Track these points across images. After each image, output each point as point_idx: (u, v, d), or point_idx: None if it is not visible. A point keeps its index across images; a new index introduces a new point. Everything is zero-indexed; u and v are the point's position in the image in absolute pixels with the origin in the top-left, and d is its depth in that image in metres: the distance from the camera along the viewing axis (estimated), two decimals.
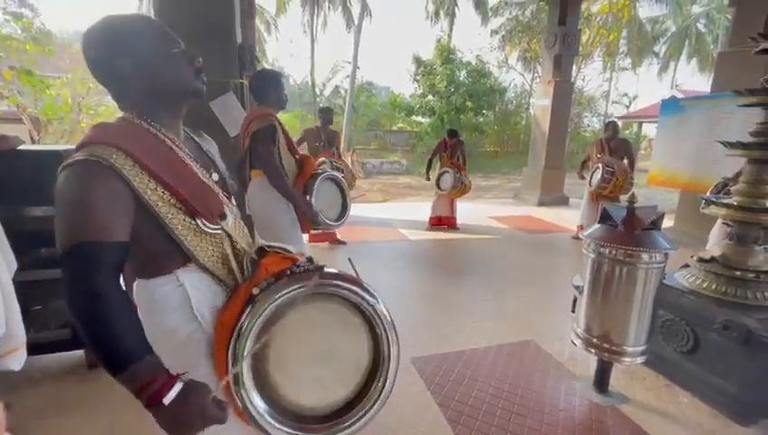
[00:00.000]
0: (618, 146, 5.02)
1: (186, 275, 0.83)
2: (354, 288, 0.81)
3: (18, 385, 1.91)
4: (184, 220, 0.79)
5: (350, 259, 0.99)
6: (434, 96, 15.89)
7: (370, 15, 19.15)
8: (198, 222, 0.81)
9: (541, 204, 7.57)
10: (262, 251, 0.92)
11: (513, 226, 5.96)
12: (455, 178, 5.17)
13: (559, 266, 4.22)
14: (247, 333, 0.75)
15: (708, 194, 3.54)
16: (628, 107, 21.86)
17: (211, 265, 0.84)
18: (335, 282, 0.81)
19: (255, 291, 0.79)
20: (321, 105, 15.62)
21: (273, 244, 0.93)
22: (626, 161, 4.94)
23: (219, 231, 0.85)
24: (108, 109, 7.97)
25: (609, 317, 1.89)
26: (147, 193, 0.75)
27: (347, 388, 0.85)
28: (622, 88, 37.76)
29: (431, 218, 5.60)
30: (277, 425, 0.78)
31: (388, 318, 0.85)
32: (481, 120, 16.78)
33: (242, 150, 2.29)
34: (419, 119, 17.54)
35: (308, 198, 2.15)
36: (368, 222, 5.76)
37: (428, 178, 5.61)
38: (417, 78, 16.26)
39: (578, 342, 2.03)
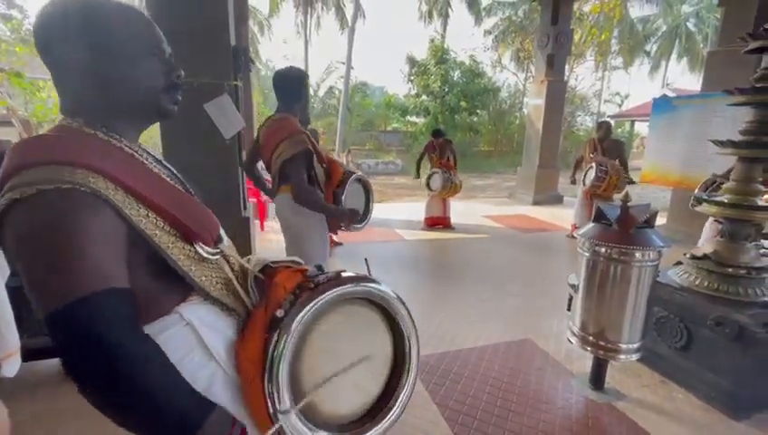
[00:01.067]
0: (610, 146, 5.07)
1: (190, 310, 0.70)
2: (375, 286, 0.80)
3: (14, 392, 1.89)
4: (183, 248, 0.67)
5: (366, 260, 0.98)
6: (428, 96, 15.94)
7: (364, 16, 19.18)
8: (197, 248, 0.69)
9: (535, 203, 7.62)
10: (267, 268, 0.83)
11: (508, 225, 6.00)
12: (444, 178, 5.20)
13: (554, 265, 4.25)
14: (279, 367, 0.68)
15: (697, 191, 3.59)
16: (620, 106, 22.06)
17: (217, 293, 0.72)
18: (361, 285, 0.78)
19: (280, 313, 0.71)
20: (313, 106, 15.59)
21: (278, 259, 0.86)
22: (617, 162, 5.00)
23: (218, 255, 0.74)
24: None
25: (604, 315, 1.91)
26: (141, 222, 0.61)
27: (378, 385, 0.84)
28: (614, 87, 38.15)
29: (426, 219, 5.62)
30: None
31: (406, 309, 0.85)
32: (475, 119, 16.88)
33: (266, 162, 2.12)
34: (414, 119, 17.58)
35: (343, 200, 2.04)
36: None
37: (418, 177, 5.65)
38: (412, 78, 16.32)
39: (574, 340, 2.05)
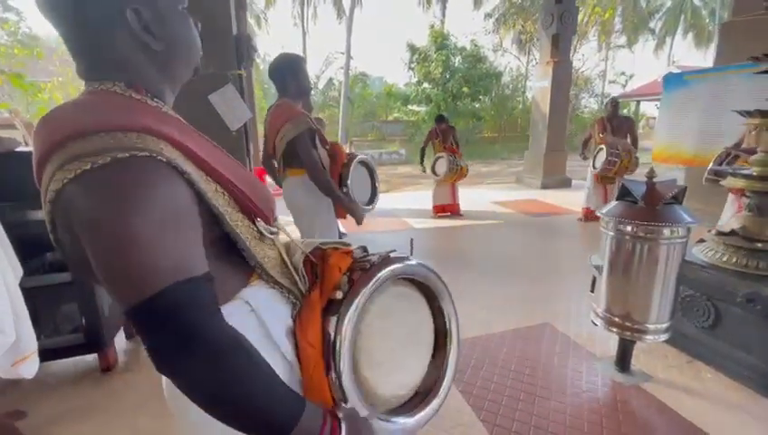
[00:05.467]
0: (620, 124, 4.96)
1: (253, 295, 0.65)
2: (423, 266, 0.79)
3: (32, 392, 1.88)
4: (249, 227, 0.63)
5: (411, 240, 0.98)
6: (430, 84, 15.71)
7: (361, 5, 18.88)
8: (259, 226, 0.65)
9: (544, 187, 7.52)
10: (317, 250, 0.79)
11: (518, 210, 5.92)
12: (449, 161, 5.11)
13: (567, 249, 4.19)
14: (341, 349, 0.65)
15: (711, 166, 3.49)
16: (624, 86, 21.65)
17: (277, 274, 0.68)
18: (410, 263, 0.77)
19: (339, 295, 0.68)
20: (314, 98, 15.44)
21: (326, 241, 0.83)
22: (629, 139, 4.89)
23: (275, 234, 0.71)
24: None
25: (630, 295, 1.85)
26: (214, 198, 0.55)
27: (423, 366, 0.84)
28: (618, 67, 37.42)
29: (435, 206, 5.55)
30: (400, 420, 0.75)
31: (446, 289, 0.85)
32: (478, 105, 16.63)
33: (270, 149, 2.12)
34: (415, 108, 17.38)
35: (345, 190, 2.05)
36: (371, 213, 5.70)
37: (423, 170, 5.55)
38: (412, 66, 16.06)
39: (598, 322, 1.99)
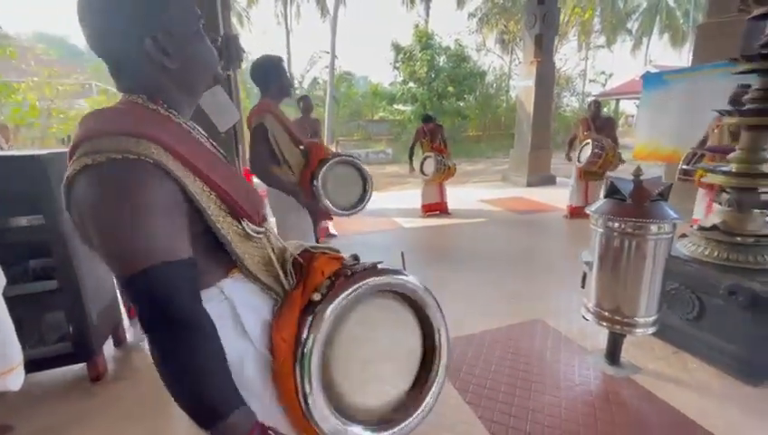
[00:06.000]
0: (603, 124, 5.08)
1: (230, 286, 0.72)
2: (410, 280, 0.79)
3: (19, 405, 1.82)
4: (231, 224, 0.69)
5: (402, 253, 0.96)
6: (415, 83, 15.74)
7: (344, 4, 18.80)
8: (244, 225, 0.71)
9: (529, 185, 7.65)
10: (306, 253, 0.83)
11: (505, 207, 6.00)
12: (437, 161, 5.14)
13: (555, 246, 4.27)
14: (310, 350, 0.67)
15: (681, 165, 3.62)
16: (604, 85, 22.18)
17: (257, 271, 0.74)
18: (396, 277, 0.77)
19: (317, 297, 0.71)
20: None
21: (317, 245, 0.87)
22: (610, 139, 5.01)
23: (262, 234, 0.76)
24: (79, 112, 7.62)
25: (619, 290, 1.90)
26: (198, 194, 0.63)
27: (406, 380, 0.83)
28: (598, 66, 38.32)
29: (423, 205, 5.58)
30: (365, 433, 0.74)
31: (436, 302, 0.83)
32: (462, 104, 16.76)
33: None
34: (401, 107, 17.40)
35: (315, 183, 2.04)
36: (360, 213, 5.70)
37: (412, 169, 5.55)
38: (397, 65, 16.07)
39: (589, 316, 2.04)
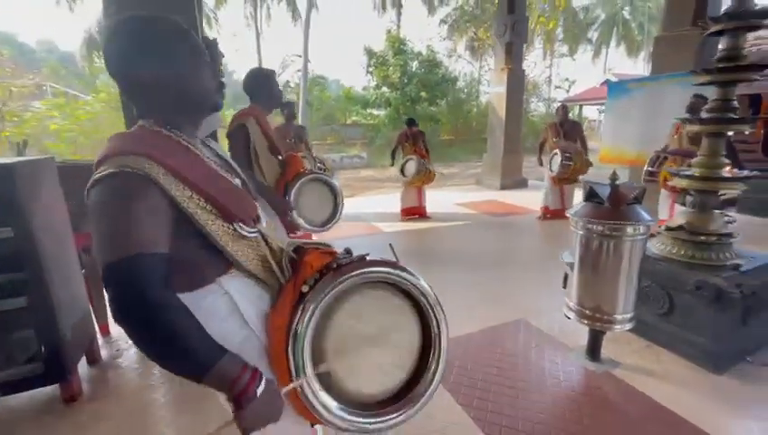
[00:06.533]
0: (571, 128, 5.32)
1: (229, 281, 0.82)
2: (399, 272, 0.83)
3: None
4: (222, 226, 0.78)
5: (390, 245, 1.01)
6: (388, 88, 15.88)
7: (316, 7, 18.72)
8: (236, 227, 0.80)
9: (503, 188, 7.87)
10: (300, 249, 0.92)
11: (481, 210, 6.15)
12: (419, 163, 5.23)
13: (531, 246, 4.43)
14: (303, 335, 0.75)
15: (646, 167, 3.88)
16: (567, 91, 23.21)
17: (253, 267, 0.83)
18: (381, 268, 0.82)
19: (305, 289, 0.79)
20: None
21: (310, 241, 0.95)
22: (578, 142, 5.27)
23: (256, 234, 0.85)
24: (35, 115, 7.17)
25: (599, 289, 2.00)
26: (185, 202, 0.73)
27: (404, 370, 0.87)
28: (563, 73, 40.05)
29: (403, 210, 5.63)
30: (352, 418, 0.79)
31: (433, 295, 0.87)
32: (435, 109, 17.04)
33: None
34: (375, 111, 17.48)
35: (287, 199, 2.09)
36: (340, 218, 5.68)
37: (393, 164, 5.66)
38: (371, 70, 16.15)
39: (571, 315, 2.14)
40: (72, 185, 2.19)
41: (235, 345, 0.76)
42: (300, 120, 16.43)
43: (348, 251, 0.90)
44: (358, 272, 0.79)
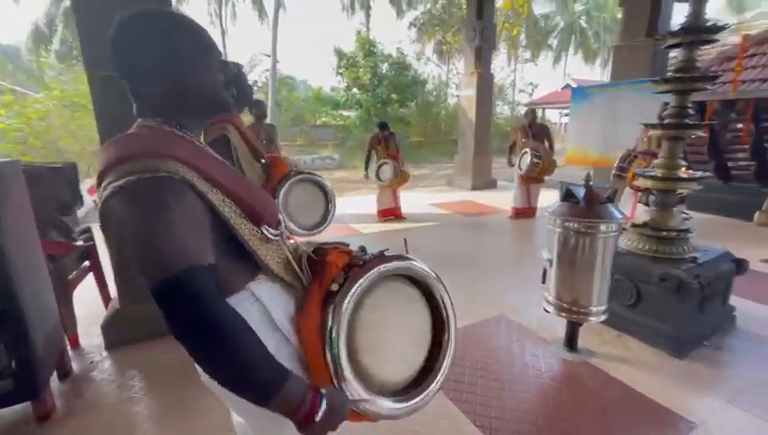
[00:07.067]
0: (539, 130, 5.57)
1: (258, 287, 0.79)
2: (416, 263, 0.89)
3: None
4: (252, 230, 0.76)
5: (405, 239, 1.05)
6: (359, 89, 15.89)
7: (284, 7, 18.43)
8: (263, 229, 0.78)
9: (474, 188, 8.10)
10: (319, 249, 0.92)
11: (454, 210, 6.30)
12: (394, 167, 5.29)
13: (504, 244, 4.59)
14: (338, 334, 0.75)
15: (617, 164, 4.15)
16: (531, 95, 24.20)
17: (279, 271, 0.81)
18: (401, 263, 0.86)
19: (335, 287, 0.79)
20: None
21: (329, 241, 0.95)
22: (546, 144, 5.53)
23: (279, 237, 0.83)
24: None
25: (576, 283, 2.13)
26: (220, 206, 0.69)
27: (422, 355, 0.91)
28: (526, 78, 41.68)
29: (379, 211, 5.67)
30: (396, 405, 0.82)
31: (443, 284, 0.94)
32: (405, 111, 17.23)
33: None
34: (345, 112, 17.44)
35: (276, 202, 2.06)
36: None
37: (367, 175, 5.59)
38: (341, 71, 16.10)
39: (550, 308, 2.25)
40: (35, 190, 2.06)
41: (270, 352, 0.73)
42: (269, 121, 16.14)
43: (363, 249, 0.92)
44: (382, 267, 0.81)
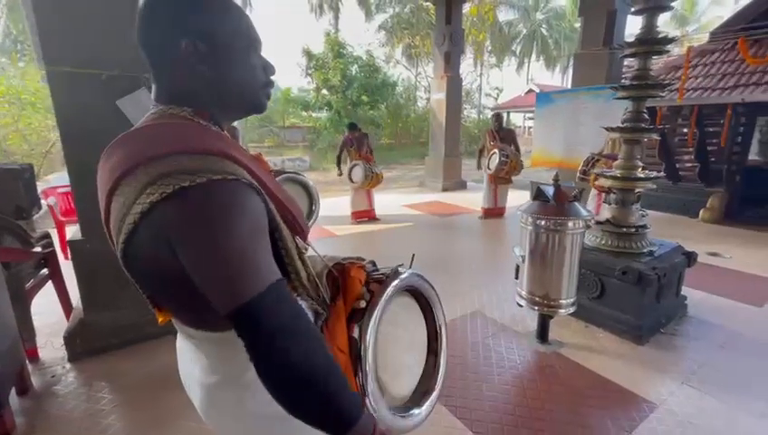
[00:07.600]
0: (506, 134, 5.79)
1: None
2: (423, 280, 0.90)
3: None
4: (293, 242, 0.67)
5: (413, 255, 1.04)
6: (329, 91, 15.80)
7: (251, 5, 18.04)
8: (298, 242, 0.69)
9: (444, 189, 8.27)
10: (338, 265, 0.84)
11: (427, 211, 6.41)
12: (365, 168, 5.33)
13: (476, 243, 4.73)
14: (366, 352, 0.73)
15: (581, 166, 4.38)
16: (496, 99, 24.99)
17: (308, 286, 0.72)
18: (414, 279, 0.88)
19: (362, 304, 0.77)
20: None
21: (345, 256, 0.89)
22: (512, 147, 5.76)
23: (306, 251, 0.76)
24: None
25: (547, 278, 2.24)
26: (275, 213, 0.62)
27: (421, 367, 0.92)
28: (492, 82, 43.02)
29: (353, 213, 5.68)
30: (407, 421, 0.81)
31: (436, 292, 0.96)
32: (376, 113, 17.32)
33: None
34: (315, 114, 17.28)
35: None
36: None
37: (341, 173, 5.64)
38: (310, 72, 15.95)
39: (523, 302, 2.36)
40: None
41: None
42: (236, 122, 15.68)
43: (373, 263, 0.89)
44: (398, 283, 0.81)
